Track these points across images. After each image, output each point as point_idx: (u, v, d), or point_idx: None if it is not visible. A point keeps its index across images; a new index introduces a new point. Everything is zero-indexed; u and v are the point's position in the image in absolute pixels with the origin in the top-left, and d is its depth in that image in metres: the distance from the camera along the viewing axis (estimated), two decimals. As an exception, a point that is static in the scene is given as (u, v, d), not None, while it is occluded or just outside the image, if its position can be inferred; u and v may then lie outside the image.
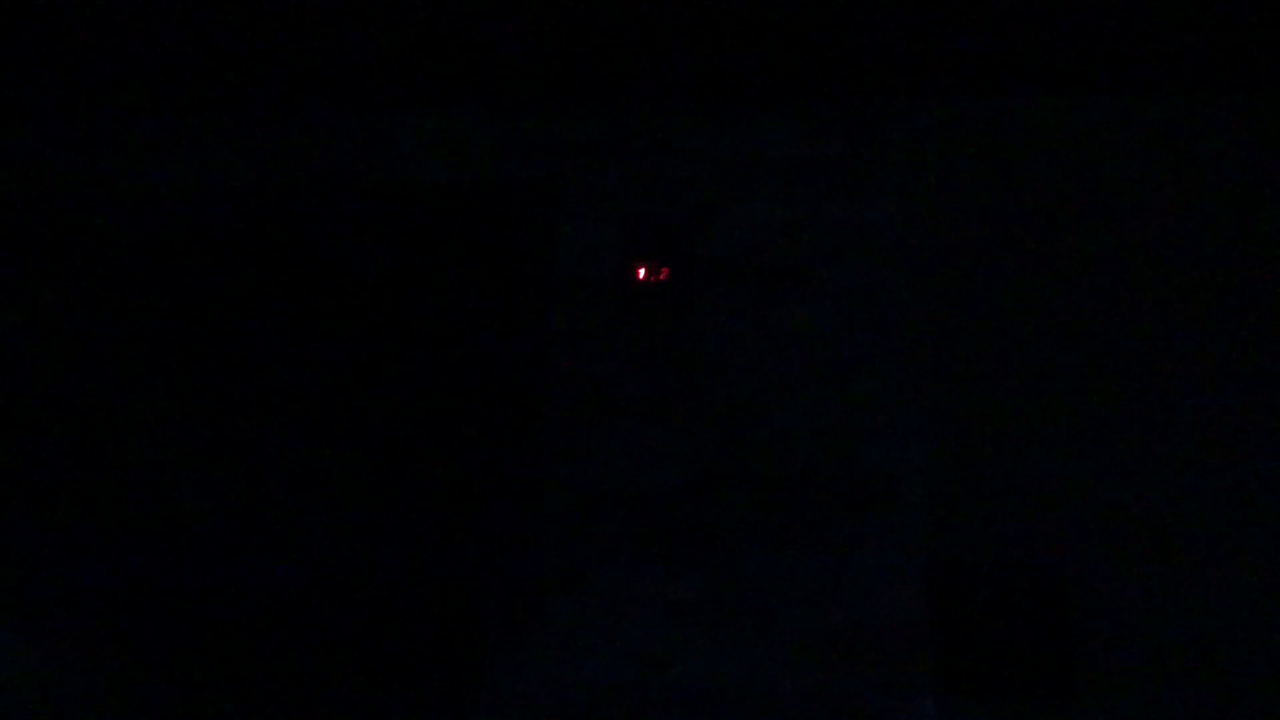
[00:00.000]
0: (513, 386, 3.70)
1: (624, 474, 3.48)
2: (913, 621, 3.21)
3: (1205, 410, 3.47)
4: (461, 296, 3.87)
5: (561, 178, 3.97)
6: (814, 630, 3.24)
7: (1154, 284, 3.66)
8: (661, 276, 3.80)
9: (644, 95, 4.05)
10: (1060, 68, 3.87)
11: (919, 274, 3.74)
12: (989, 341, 3.62)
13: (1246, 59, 3.80)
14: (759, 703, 3.17)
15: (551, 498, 3.45)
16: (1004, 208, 3.81)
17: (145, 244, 4.03)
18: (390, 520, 3.52)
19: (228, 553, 3.53)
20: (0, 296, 3.91)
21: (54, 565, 3.55)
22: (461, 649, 3.37)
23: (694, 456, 3.50)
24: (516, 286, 3.86)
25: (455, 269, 3.92)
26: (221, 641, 3.43)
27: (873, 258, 3.75)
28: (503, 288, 3.87)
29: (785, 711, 3.15)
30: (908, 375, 3.58)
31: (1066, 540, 3.31)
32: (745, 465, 3.48)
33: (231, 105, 4.14)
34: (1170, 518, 3.34)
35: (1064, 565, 3.25)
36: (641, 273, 3.81)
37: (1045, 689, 3.05)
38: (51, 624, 3.47)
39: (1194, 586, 3.25)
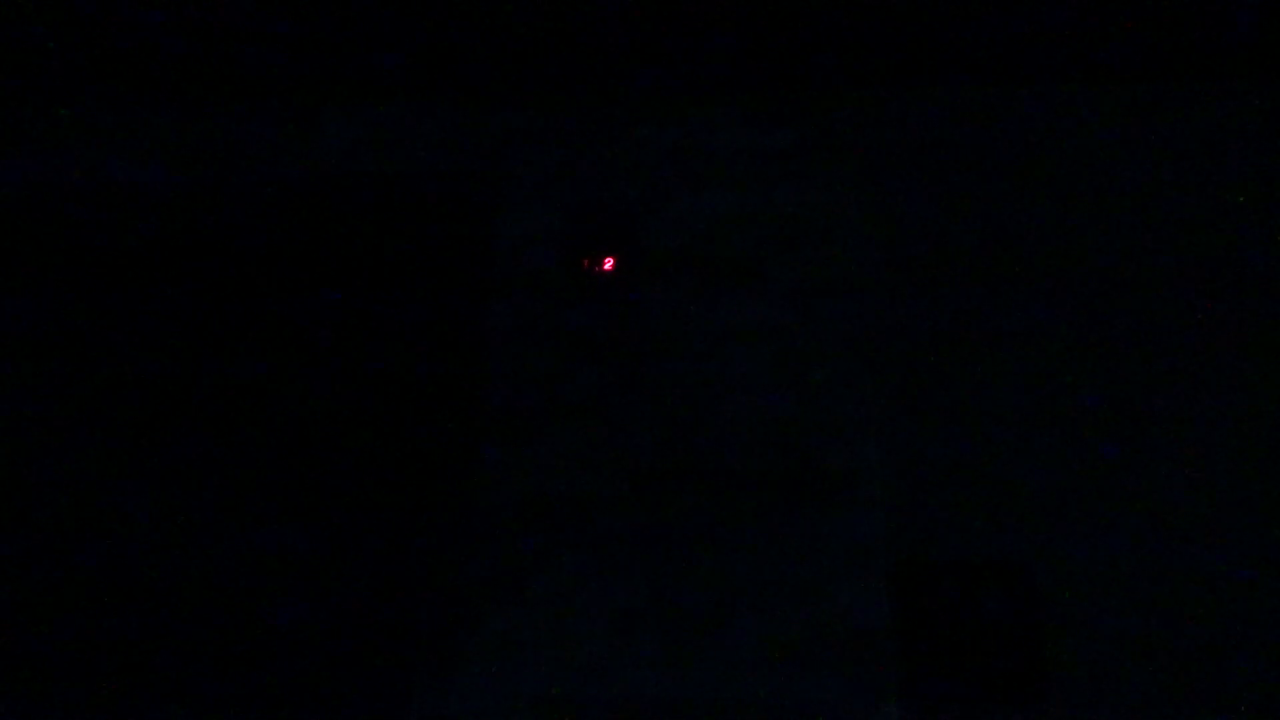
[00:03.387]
0: (450, 384, 3.48)
1: (567, 474, 3.27)
2: (873, 624, 3.02)
3: (1172, 405, 3.34)
4: (399, 290, 3.65)
5: (503, 168, 3.78)
6: (769, 636, 3.03)
7: (1119, 276, 3.54)
8: (606, 267, 3.61)
9: (590, 84, 3.88)
10: (1016, 57, 3.76)
11: (875, 265, 3.58)
12: (948, 334, 3.47)
13: (1213, 50, 3.72)
14: (711, 714, 2.95)
15: (489, 500, 3.23)
16: (960, 197, 3.67)
17: (69, 240, 3.77)
18: (318, 524, 3.27)
19: (149, 562, 3.26)
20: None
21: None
22: (392, 661, 3.12)
23: (641, 455, 3.30)
24: (455, 279, 3.65)
25: (393, 262, 3.70)
26: (145, 659, 3.16)
27: (826, 249, 3.59)
28: (441, 281, 3.65)
29: (740, 723, 2.93)
30: (864, 369, 3.41)
31: (1031, 537, 3.14)
32: (695, 464, 3.28)
33: (162, 97, 3.92)
34: (1138, 513, 3.19)
35: (1029, 563, 3.08)
36: (585, 263, 3.62)
37: (1012, 690, 2.87)
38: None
39: (1163, 582, 3.09)
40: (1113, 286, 3.52)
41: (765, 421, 3.32)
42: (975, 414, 3.35)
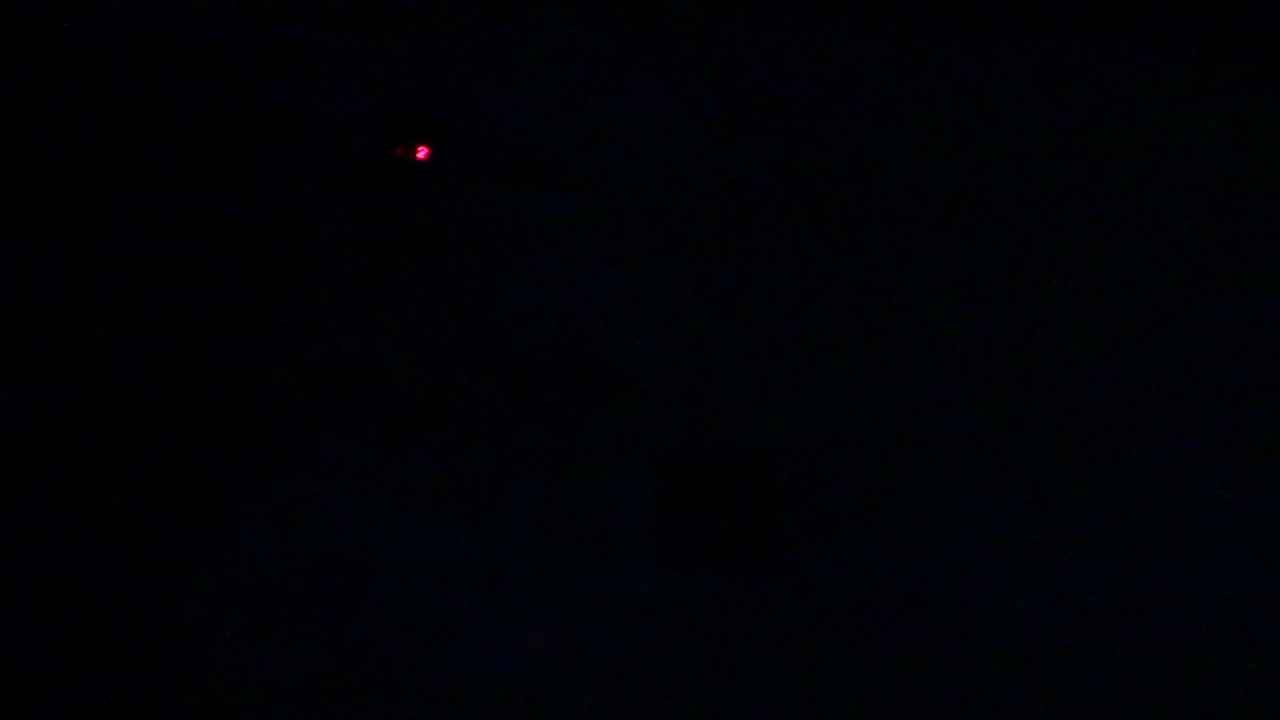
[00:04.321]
0: (245, 254, 3.55)
1: (353, 350, 3.41)
2: (636, 503, 3.28)
3: (929, 306, 3.66)
4: (194, 155, 3.66)
5: (315, 45, 3.80)
6: (537, 511, 3.27)
7: (892, 170, 3.81)
8: (420, 156, 3.70)
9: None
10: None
11: (668, 170, 3.77)
12: (734, 239, 3.70)
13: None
14: (478, 576, 3.18)
15: (277, 369, 3.35)
16: (763, 107, 3.87)
17: None
18: (104, 395, 3.34)
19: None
20: None
21: None
22: (173, 525, 3.24)
23: (430, 336, 3.46)
24: (258, 153, 3.69)
25: (187, 126, 3.71)
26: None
27: (626, 152, 3.76)
28: (243, 153, 3.69)
29: (502, 585, 3.17)
30: (651, 269, 3.62)
31: (790, 431, 3.44)
32: (482, 348, 3.46)
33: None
34: (893, 420, 3.52)
35: (785, 454, 3.38)
36: (400, 151, 3.70)
37: (753, 562, 3.19)
38: None
39: (904, 478, 3.45)
40: (899, 186, 3.79)
41: (553, 313, 3.51)
42: (757, 318, 3.61)
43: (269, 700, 3.05)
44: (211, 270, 3.50)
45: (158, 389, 3.35)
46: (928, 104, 3.94)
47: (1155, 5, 3.97)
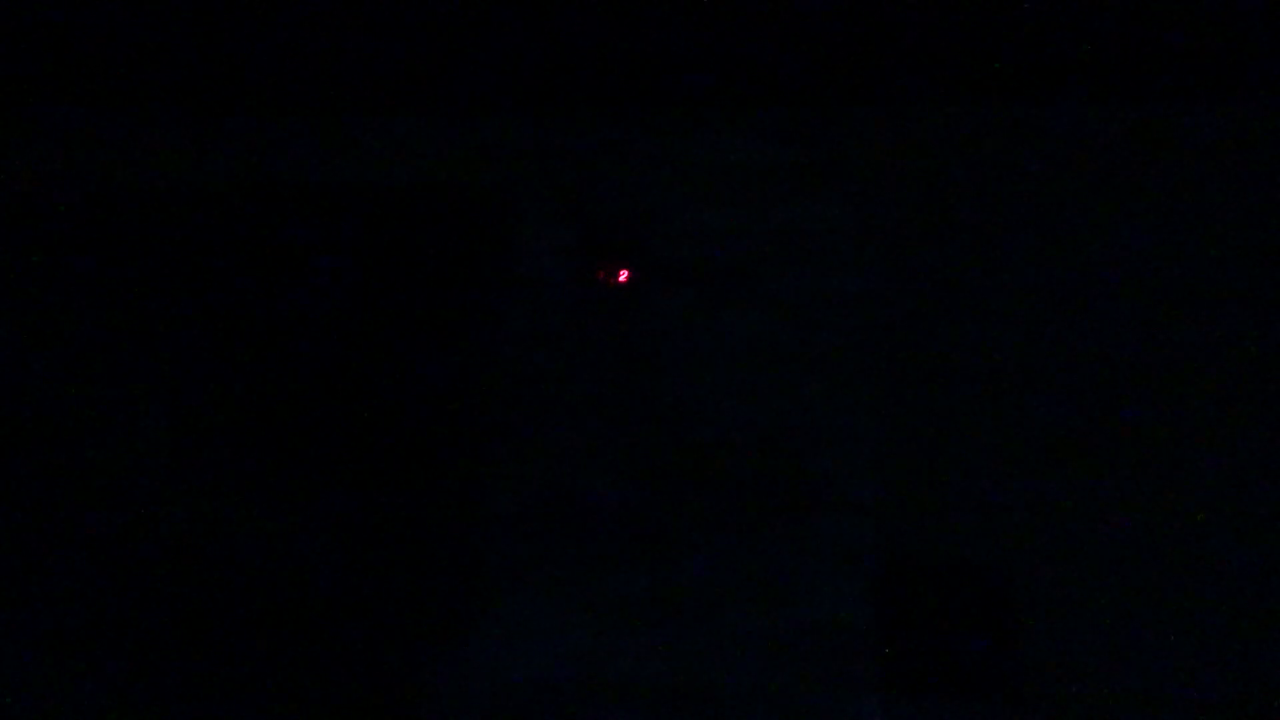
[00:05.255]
0: (463, 385, 3.66)
1: (571, 473, 3.45)
2: (858, 622, 3.18)
3: (1152, 415, 3.49)
4: (419, 296, 3.84)
5: (521, 181, 3.96)
6: (758, 630, 3.21)
7: (1116, 294, 3.68)
8: (621, 279, 3.78)
9: (602, 100, 4.05)
10: (1020, 76, 3.90)
11: (869, 278, 3.75)
12: (937, 345, 3.63)
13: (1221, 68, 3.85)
14: (700, 702, 3.12)
15: (496, 495, 3.41)
16: (956, 213, 3.83)
17: (115, 243, 3.97)
18: (333, 516, 3.47)
19: (175, 555, 3.46)
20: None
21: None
22: (402, 647, 3.30)
23: (642, 457, 3.48)
24: (473, 287, 3.83)
25: (415, 270, 3.89)
26: (157, 647, 3.36)
27: (823, 262, 3.76)
28: (460, 288, 3.84)
29: (727, 711, 3.10)
30: (856, 378, 3.57)
31: (1013, 542, 3.31)
32: (693, 466, 3.45)
33: (201, 105, 4.10)
34: (1114, 520, 3.35)
35: (1010, 567, 3.24)
36: (601, 274, 3.80)
37: (990, 690, 3.04)
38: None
39: (1137, 588, 3.25)
40: (1110, 304, 3.66)
41: (761, 427, 3.49)
42: (964, 423, 3.51)
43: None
44: (428, 403, 3.62)
45: (385, 514, 3.46)
46: (1122, 188, 3.83)
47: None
